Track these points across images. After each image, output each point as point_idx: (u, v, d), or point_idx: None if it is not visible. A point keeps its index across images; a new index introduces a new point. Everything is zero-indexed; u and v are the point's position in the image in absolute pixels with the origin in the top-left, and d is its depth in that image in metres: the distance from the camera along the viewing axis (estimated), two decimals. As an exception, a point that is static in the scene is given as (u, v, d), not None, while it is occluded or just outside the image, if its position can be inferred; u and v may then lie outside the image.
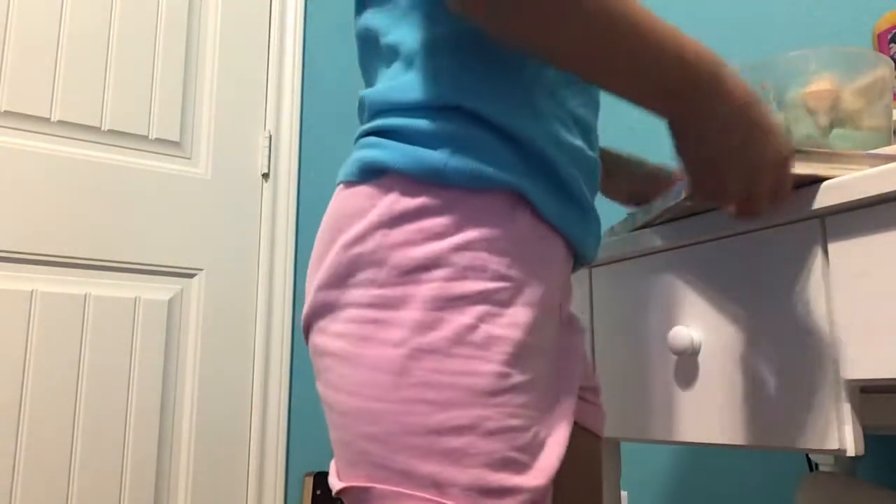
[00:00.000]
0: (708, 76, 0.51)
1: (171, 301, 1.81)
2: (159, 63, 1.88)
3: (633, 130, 1.43)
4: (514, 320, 0.51)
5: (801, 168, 0.60)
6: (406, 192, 0.52)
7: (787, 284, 0.65)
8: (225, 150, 1.96)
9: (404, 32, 0.56)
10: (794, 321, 0.64)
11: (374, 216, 0.52)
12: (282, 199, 2.02)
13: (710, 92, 0.51)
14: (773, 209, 0.59)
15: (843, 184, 0.60)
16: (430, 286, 0.50)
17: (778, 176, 0.56)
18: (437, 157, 0.52)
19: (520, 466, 0.49)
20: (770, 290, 0.66)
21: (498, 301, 0.51)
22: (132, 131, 1.82)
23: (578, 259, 0.62)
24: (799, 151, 0.61)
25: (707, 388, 0.72)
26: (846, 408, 0.60)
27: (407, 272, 0.50)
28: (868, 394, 0.85)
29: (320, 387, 0.55)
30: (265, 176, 2.01)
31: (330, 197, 0.59)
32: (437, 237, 0.51)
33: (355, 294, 0.52)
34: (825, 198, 0.61)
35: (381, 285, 0.51)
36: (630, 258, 0.82)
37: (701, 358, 0.72)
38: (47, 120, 1.72)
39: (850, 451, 0.60)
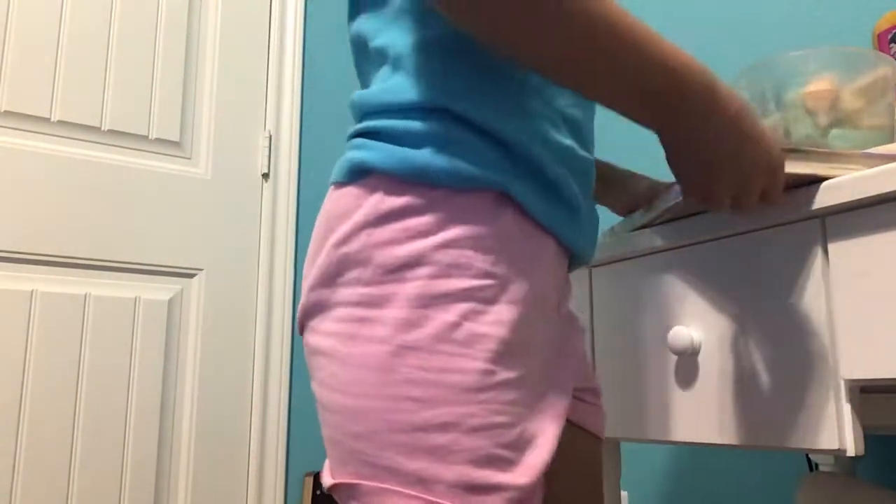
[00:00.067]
0: (697, 87, 0.52)
1: (171, 301, 1.81)
2: (159, 63, 1.88)
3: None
4: (498, 318, 0.51)
5: (799, 168, 0.60)
6: (391, 192, 0.52)
7: (787, 284, 0.65)
8: (225, 150, 1.96)
9: (393, 36, 0.57)
10: (794, 321, 0.64)
11: (360, 216, 0.53)
12: (282, 199, 2.02)
13: (699, 104, 0.52)
14: (765, 207, 0.60)
15: (843, 184, 0.60)
16: (415, 284, 0.50)
17: (769, 181, 0.57)
18: (420, 156, 0.52)
19: (505, 463, 0.49)
20: (770, 290, 0.66)
21: (482, 298, 0.51)
22: (132, 131, 1.82)
23: (575, 258, 0.62)
24: (798, 151, 0.61)
25: (707, 388, 0.71)
26: (846, 408, 0.60)
27: (391, 271, 0.51)
28: (868, 394, 0.85)
29: (313, 385, 0.55)
30: (265, 176, 2.01)
31: (330, 197, 0.60)
32: (422, 236, 0.51)
33: (344, 293, 0.53)
34: (825, 198, 0.61)
35: (367, 284, 0.52)
36: (630, 258, 0.82)
37: (701, 358, 0.72)
38: (47, 120, 1.72)
39: (850, 451, 0.60)
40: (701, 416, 0.72)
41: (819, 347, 0.62)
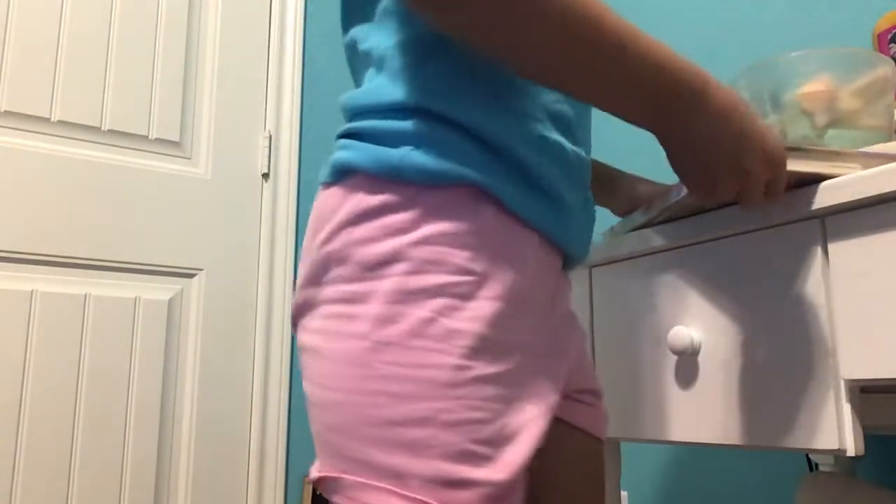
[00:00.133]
0: (689, 86, 0.52)
1: (171, 301, 1.81)
2: (159, 63, 1.88)
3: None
4: (476, 314, 0.51)
5: (800, 166, 0.60)
6: (370, 191, 0.53)
7: (787, 284, 0.65)
8: (225, 150, 1.96)
9: (378, 38, 0.58)
10: (794, 321, 0.64)
11: (342, 215, 0.54)
12: (282, 199, 2.02)
13: (692, 103, 0.52)
14: (767, 205, 0.61)
15: (843, 184, 0.60)
16: (391, 281, 0.51)
17: (771, 175, 0.57)
18: (396, 154, 0.53)
19: (481, 459, 0.49)
20: (770, 290, 0.66)
21: (459, 294, 0.51)
22: (132, 131, 1.82)
23: (568, 256, 0.62)
24: (798, 149, 0.61)
25: (707, 388, 0.72)
26: (846, 408, 0.60)
27: (370, 268, 0.52)
28: (868, 394, 0.85)
29: (303, 382, 0.56)
30: (265, 176, 2.01)
31: (330, 197, 0.60)
32: (398, 233, 0.52)
33: (328, 291, 0.54)
34: (825, 198, 0.61)
35: (348, 281, 0.53)
36: (630, 258, 0.82)
37: (701, 358, 0.72)
38: (47, 120, 1.72)
39: (850, 451, 0.60)
40: (701, 416, 0.72)
41: (819, 347, 0.62)
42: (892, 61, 0.71)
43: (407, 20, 0.56)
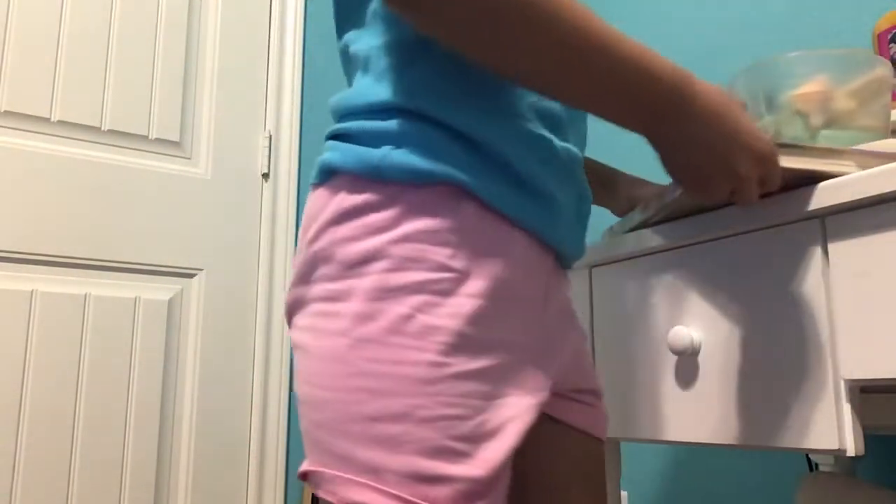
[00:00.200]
0: (674, 90, 0.53)
1: (171, 301, 1.81)
2: (159, 63, 1.88)
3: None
4: (455, 310, 0.52)
5: (795, 162, 0.60)
6: (352, 190, 0.55)
7: (787, 284, 0.65)
8: (225, 150, 1.96)
9: (366, 40, 0.59)
10: (794, 321, 0.64)
11: (326, 215, 0.55)
12: (282, 199, 2.02)
13: (681, 108, 0.53)
14: (767, 205, 0.61)
15: (843, 184, 0.60)
16: (371, 278, 0.52)
17: (763, 172, 0.57)
18: (377, 154, 0.54)
19: (457, 455, 0.50)
20: (770, 290, 0.66)
21: (438, 291, 0.52)
22: (132, 131, 1.82)
23: (560, 254, 0.62)
24: (793, 146, 0.61)
25: (707, 388, 0.71)
26: (846, 408, 0.60)
27: (351, 266, 0.53)
28: (868, 394, 0.85)
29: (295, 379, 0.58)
30: (265, 176, 2.01)
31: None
32: (379, 231, 0.53)
33: (315, 289, 0.55)
34: (825, 198, 0.61)
35: (332, 280, 0.54)
36: (630, 258, 0.82)
37: (701, 358, 0.72)
38: (47, 120, 1.72)
39: (850, 451, 0.60)
40: (701, 416, 0.72)
41: (819, 347, 0.62)
42: (889, 62, 0.71)
43: (392, 23, 0.57)
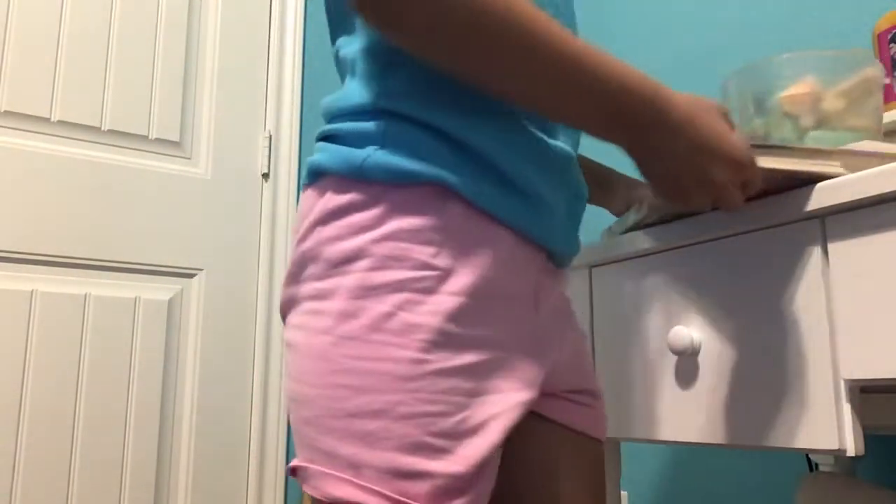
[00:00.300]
0: (645, 103, 0.54)
1: (171, 301, 1.81)
2: (159, 63, 1.88)
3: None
4: (436, 308, 0.52)
5: (779, 163, 0.60)
6: (337, 191, 0.56)
7: (787, 284, 0.65)
8: (225, 150, 1.96)
9: (353, 45, 0.60)
10: (794, 321, 0.64)
11: (314, 215, 0.56)
12: (282, 199, 2.02)
13: (650, 119, 0.54)
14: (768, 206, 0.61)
15: (843, 184, 0.60)
16: (354, 276, 0.53)
17: (741, 177, 0.57)
18: (360, 155, 0.55)
19: (436, 451, 0.50)
20: (770, 290, 0.66)
21: (420, 289, 0.52)
22: (132, 131, 1.82)
23: (552, 253, 0.62)
24: (779, 148, 0.61)
25: (707, 388, 0.72)
26: (846, 408, 0.60)
27: (336, 265, 0.54)
28: (868, 394, 0.85)
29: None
30: (265, 176, 2.01)
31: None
32: (363, 230, 0.54)
33: (305, 288, 0.56)
34: (825, 198, 0.61)
35: (319, 278, 0.55)
36: (630, 258, 0.82)
37: (701, 358, 0.72)
38: (47, 120, 1.72)
39: (850, 451, 0.60)
40: (701, 416, 0.72)
41: (819, 347, 0.62)
42: (879, 63, 0.71)
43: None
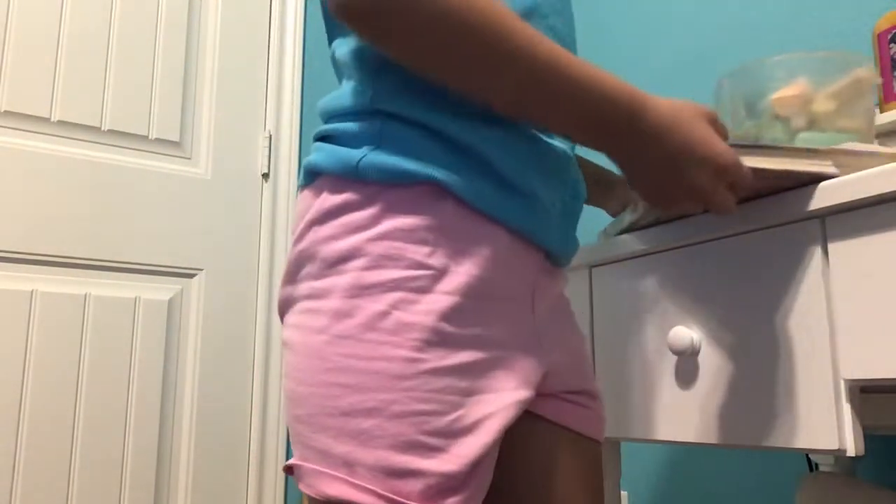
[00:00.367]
0: (623, 110, 0.54)
1: (171, 301, 1.81)
2: (159, 63, 1.88)
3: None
4: (430, 307, 0.52)
5: (765, 163, 0.60)
6: (333, 191, 0.56)
7: (787, 284, 0.65)
8: (225, 150, 1.96)
9: (348, 47, 0.61)
10: (794, 321, 0.64)
11: (310, 215, 0.57)
12: (282, 199, 2.02)
13: (628, 126, 0.55)
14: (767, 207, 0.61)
15: (843, 184, 0.60)
16: (349, 276, 0.53)
17: (725, 179, 0.57)
18: (355, 155, 0.55)
19: (429, 450, 0.51)
20: (770, 290, 0.66)
21: (414, 288, 0.53)
22: (132, 131, 1.82)
23: (550, 252, 0.62)
24: (775, 147, 0.61)
25: (707, 388, 0.72)
26: (846, 408, 0.60)
27: (332, 264, 0.54)
28: (868, 394, 0.85)
29: None
30: (265, 176, 2.01)
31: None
32: (358, 230, 0.54)
33: (301, 288, 0.56)
34: (825, 198, 0.61)
35: (315, 278, 0.55)
36: (630, 258, 0.82)
37: (701, 358, 0.72)
38: (47, 120, 1.72)
39: (850, 451, 0.60)
40: (701, 416, 0.72)
41: (819, 347, 0.62)
42: (871, 64, 0.71)
43: None
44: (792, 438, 0.63)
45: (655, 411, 0.77)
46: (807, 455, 1.10)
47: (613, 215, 0.89)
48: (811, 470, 1.09)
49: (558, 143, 0.63)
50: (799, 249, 0.64)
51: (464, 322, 0.53)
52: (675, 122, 0.55)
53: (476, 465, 0.52)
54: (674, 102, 0.57)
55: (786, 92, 0.70)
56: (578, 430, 0.67)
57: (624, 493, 1.46)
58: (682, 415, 0.74)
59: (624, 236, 0.81)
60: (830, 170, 0.61)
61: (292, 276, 0.58)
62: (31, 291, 1.63)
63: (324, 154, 0.58)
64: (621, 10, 1.66)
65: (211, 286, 1.87)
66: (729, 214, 0.59)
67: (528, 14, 0.60)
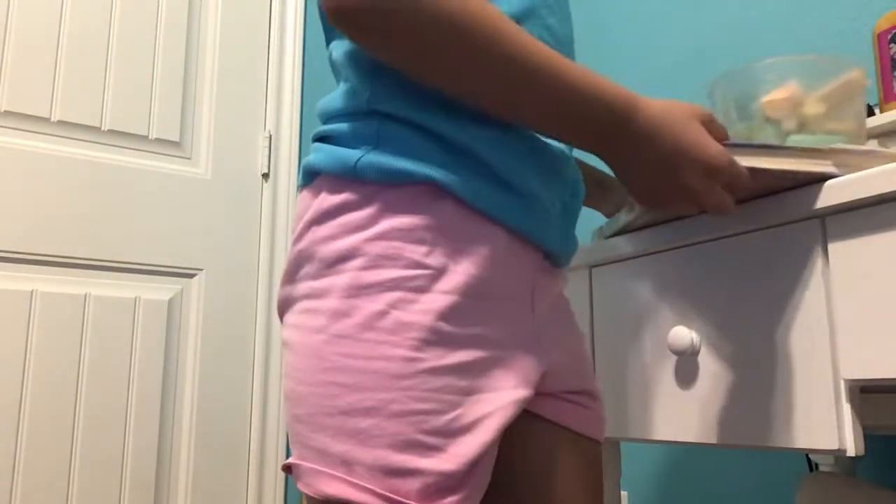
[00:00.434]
0: (613, 112, 0.54)
1: (171, 301, 1.81)
2: (159, 63, 1.88)
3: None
4: (428, 307, 0.52)
5: (767, 163, 0.60)
6: (331, 191, 0.56)
7: (787, 284, 0.65)
8: (225, 150, 1.96)
9: (345, 48, 0.61)
10: (794, 321, 0.64)
11: (309, 215, 0.57)
12: (282, 199, 2.02)
13: (619, 128, 0.55)
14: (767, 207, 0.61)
15: (843, 184, 0.60)
16: (347, 275, 0.53)
17: (719, 180, 0.57)
18: (352, 155, 0.56)
19: (428, 449, 0.51)
20: (770, 290, 0.66)
21: (413, 288, 0.53)
22: (132, 131, 1.82)
23: (549, 252, 0.63)
24: (777, 148, 0.61)
25: (707, 388, 0.72)
26: (846, 408, 0.60)
27: (330, 264, 0.54)
28: (868, 394, 0.85)
29: None
30: (265, 176, 2.01)
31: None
32: (357, 230, 0.54)
33: (300, 288, 0.57)
34: (825, 198, 0.61)
35: (314, 277, 0.55)
36: (630, 258, 0.82)
37: (701, 358, 0.72)
38: (47, 120, 1.72)
39: (850, 451, 0.60)
40: (701, 416, 0.72)
41: (819, 347, 0.62)
42: (862, 67, 0.71)
43: None
44: (792, 438, 0.63)
45: (655, 411, 0.77)
46: (807, 455, 1.10)
47: (608, 216, 0.89)
48: (811, 470, 1.09)
49: (556, 142, 0.63)
50: (799, 249, 0.64)
51: (462, 321, 0.53)
52: (666, 124, 0.55)
53: (474, 464, 0.52)
54: (665, 104, 0.57)
55: (776, 95, 0.70)
56: (578, 430, 0.67)
57: (624, 493, 1.46)
58: (682, 415, 0.74)
59: (624, 236, 0.81)
60: (831, 170, 0.61)
61: (291, 276, 0.58)
62: (31, 291, 1.63)
63: (322, 154, 0.58)
64: (621, 10, 1.66)
65: (211, 286, 1.87)
66: (726, 215, 0.59)
67: (526, 14, 0.60)
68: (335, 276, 0.54)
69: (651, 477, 1.44)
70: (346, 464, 0.51)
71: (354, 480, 0.50)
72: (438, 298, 0.53)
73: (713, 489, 1.33)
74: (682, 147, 0.55)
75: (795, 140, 0.70)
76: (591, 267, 0.88)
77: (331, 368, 0.52)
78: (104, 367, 1.69)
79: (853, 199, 0.59)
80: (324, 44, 0.68)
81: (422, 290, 0.53)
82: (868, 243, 0.59)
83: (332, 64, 0.65)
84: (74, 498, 1.61)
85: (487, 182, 0.56)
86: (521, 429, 0.63)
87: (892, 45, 0.92)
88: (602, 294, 0.86)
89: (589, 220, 0.91)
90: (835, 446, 0.60)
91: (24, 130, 1.68)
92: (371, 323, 0.52)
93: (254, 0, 2.07)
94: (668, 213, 0.71)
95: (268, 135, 2.02)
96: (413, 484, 0.50)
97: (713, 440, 0.71)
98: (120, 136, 1.80)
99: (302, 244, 0.57)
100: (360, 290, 0.53)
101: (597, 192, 0.88)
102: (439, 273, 0.54)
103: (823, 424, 0.61)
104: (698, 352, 0.72)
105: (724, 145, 0.58)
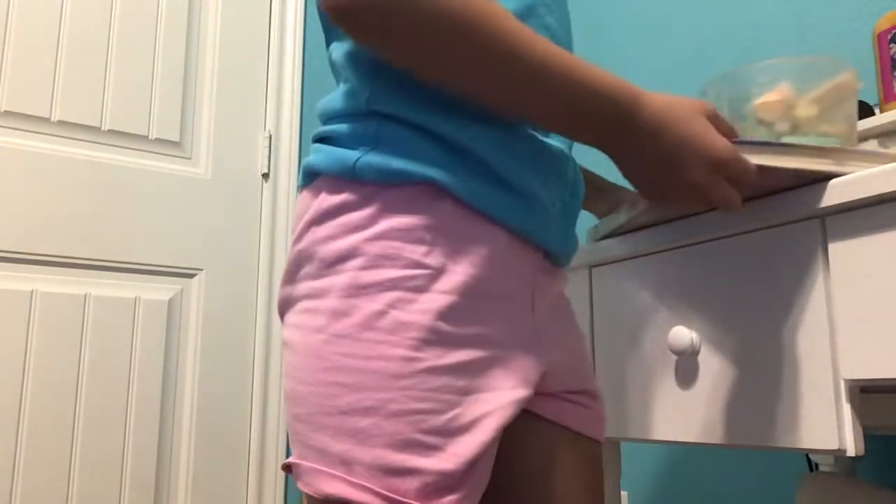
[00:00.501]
0: (617, 107, 0.55)
1: (171, 301, 1.81)
2: (159, 63, 1.88)
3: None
4: (427, 306, 0.53)
5: (776, 161, 0.60)
6: (331, 191, 0.56)
7: (787, 284, 0.65)
8: (225, 150, 1.96)
9: (344, 49, 0.61)
10: (794, 321, 0.64)
11: (308, 216, 0.57)
12: (282, 199, 2.02)
13: (624, 123, 0.55)
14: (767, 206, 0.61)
15: (843, 184, 0.60)
16: (346, 275, 0.53)
17: (727, 173, 0.57)
18: (352, 155, 0.56)
19: (427, 449, 0.51)
20: (770, 291, 0.66)
21: (412, 287, 0.53)
22: (132, 131, 1.82)
23: (549, 252, 0.63)
24: (785, 146, 0.61)
25: (707, 388, 0.72)
26: (846, 408, 0.60)
27: (330, 264, 0.55)
28: (868, 394, 0.85)
29: None
30: (265, 176, 2.01)
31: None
32: (356, 230, 0.54)
33: (300, 288, 0.57)
34: (825, 198, 0.61)
35: (314, 277, 0.56)
36: (630, 258, 0.82)
37: (701, 358, 0.72)
38: (47, 120, 1.72)
39: (850, 451, 0.60)
40: (701, 416, 0.72)
41: (819, 347, 0.62)
42: (854, 69, 0.71)
43: None
44: (792, 438, 0.63)
45: (655, 411, 0.77)
46: (807, 455, 1.10)
47: (600, 217, 0.89)
48: (811, 470, 1.09)
49: (556, 142, 0.63)
50: (799, 249, 0.64)
51: (461, 321, 0.54)
52: (671, 118, 0.55)
53: (473, 463, 0.52)
54: (669, 98, 0.57)
55: (769, 97, 0.70)
56: (578, 429, 0.67)
57: (624, 493, 1.46)
58: (682, 415, 0.74)
59: (624, 236, 0.81)
60: (839, 168, 0.61)
61: (291, 276, 0.58)
62: (31, 291, 1.63)
63: (322, 155, 0.58)
64: (621, 10, 1.66)
65: (211, 286, 1.87)
66: (734, 210, 0.59)
67: (525, 13, 0.61)
68: (335, 276, 0.54)
69: (651, 477, 1.44)
70: (346, 463, 0.51)
71: (354, 480, 0.51)
72: (437, 298, 0.53)
73: (713, 489, 1.33)
74: (686, 141, 0.55)
75: (789, 142, 0.70)
76: (592, 267, 0.88)
77: (330, 368, 0.52)
78: (104, 367, 1.69)
79: (853, 199, 0.59)
80: (324, 44, 0.68)
81: (421, 289, 0.53)
82: (868, 243, 0.59)
83: (332, 65, 0.65)
84: (74, 498, 1.61)
85: (487, 182, 0.56)
86: (521, 428, 0.63)
87: (892, 45, 0.92)
88: (602, 294, 0.86)
89: (589, 220, 0.91)
90: (835, 446, 0.60)
91: (24, 130, 1.68)
92: (370, 323, 0.52)
93: (254, 0, 2.08)
94: (674, 209, 0.70)
95: (268, 135, 2.02)
96: (412, 483, 0.50)
97: (713, 440, 0.71)
98: (120, 136, 1.80)
99: (302, 244, 0.57)
100: (359, 290, 0.53)
101: (590, 193, 0.88)
102: (438, 273, 0.54)
103: (823, 424, 0.61)
104: (698, 352, 0.72)
105: (734, 142, 0.57)
